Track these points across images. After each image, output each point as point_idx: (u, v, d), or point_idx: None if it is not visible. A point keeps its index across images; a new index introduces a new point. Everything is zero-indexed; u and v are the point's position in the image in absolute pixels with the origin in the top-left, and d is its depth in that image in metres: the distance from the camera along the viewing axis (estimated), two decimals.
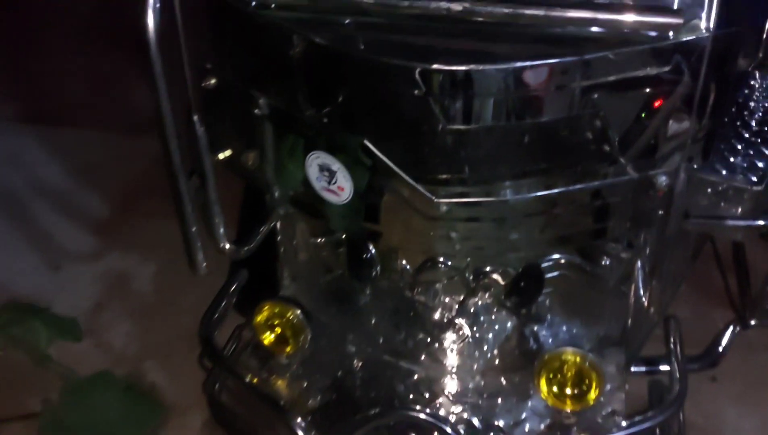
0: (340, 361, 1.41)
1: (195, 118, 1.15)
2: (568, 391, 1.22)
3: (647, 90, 1.06)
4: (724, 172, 1.21)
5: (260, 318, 1.34)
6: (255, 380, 1.33)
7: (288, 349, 1.35)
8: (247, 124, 1.21)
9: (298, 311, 1.32)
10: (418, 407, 1.24)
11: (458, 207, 1.07)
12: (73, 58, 2.84)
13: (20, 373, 1.76)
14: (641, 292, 1.29)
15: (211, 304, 1.44)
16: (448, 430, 1.16)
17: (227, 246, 1.30)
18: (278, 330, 1.35)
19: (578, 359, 1.21)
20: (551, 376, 1.22)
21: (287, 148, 1.16)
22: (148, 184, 2.60)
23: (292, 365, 1.39)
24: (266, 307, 1.34)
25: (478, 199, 1.07)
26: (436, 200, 1.03)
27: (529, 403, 1.33)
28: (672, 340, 1.34)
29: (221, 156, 1.26)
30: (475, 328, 1.37)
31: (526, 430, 1.28)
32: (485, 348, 1.38)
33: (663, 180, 1.07)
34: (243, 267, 1.54)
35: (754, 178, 1.21)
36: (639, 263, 1.29)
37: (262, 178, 1.26)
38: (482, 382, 1.36)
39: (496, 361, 1.39)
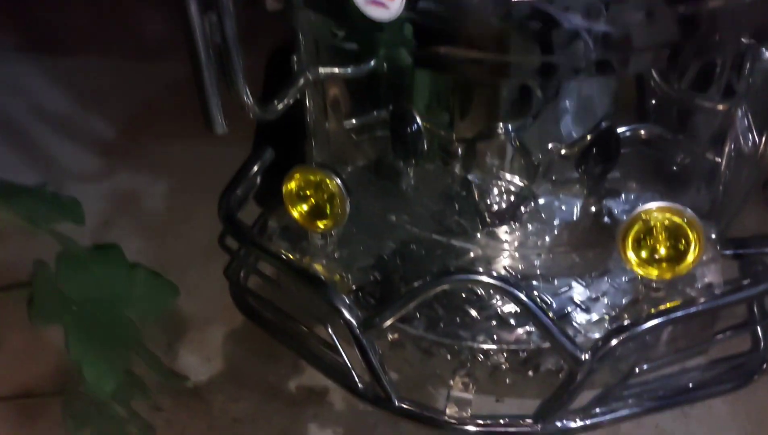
0: (381, 240, 1.22)
1: None
2: (662, 252, 1.02)
3: None
4: None
5: (292, 186, 1.15)
6: (290, 256, 1.14)
7: (323, 223, 1.16)
8: None
9: (337, 179, 1.12)
10: (480, 270, 1.04)
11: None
12: None
13: (13, 243, 1.65)
14: (742, 147, 1.09)
15: (231, 180, 1.25)
16: (522, 296, 0.96)
17: (250, 101, 1.10)
18: (312, 202, 1.16)
19: (673, 216, 1.01)
20: (641, 237, 1.03)
21: None
22: (157, 108, 2.47)
23: (328, 246, 1.20)
24: (298, 174, 1.14)
25: None
26: None
27: (607, 279, 1.13)
28: None
29: None
30: (540, 201, 1.18)
31: (606, 303, 1.09)
32: (553, 222, 1.19)
33: None
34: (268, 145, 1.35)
35: None
36: (740, 113, 1.08)
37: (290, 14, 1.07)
38: (551, 257, 1.17)
39: (566, 237, 1.19)
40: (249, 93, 1.10)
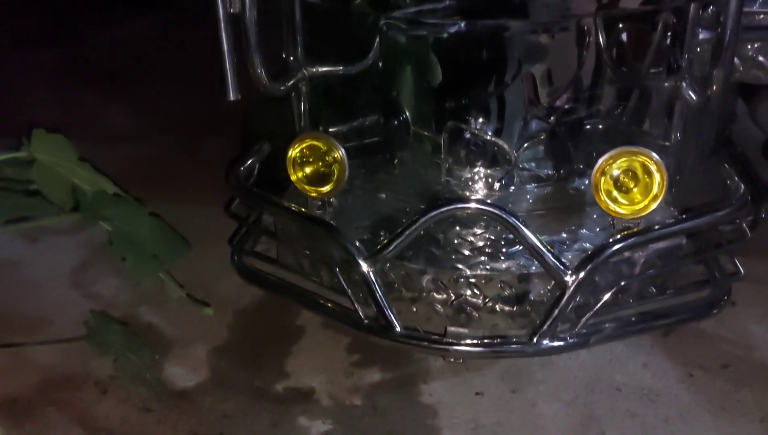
0: (373, 210, 1.34)
1: None
2: (633, 189, 1.16)
3: None
4: None
5: (296, 152, 1.27)
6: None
7: (325, 188, 1.27)
8: None
9: (341, 148, 1.25)
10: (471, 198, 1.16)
11: None
12: None
13: None
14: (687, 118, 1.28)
15: (232, 160, 1.37)
16: (512, 219, 1.08)
17: (262, 73, 1.24)
18: (312, 168, 1.28)
19: (633, 156, 1.16)
20: (611, 182, 1.17)
21: None
22: (123, 180, 2.54)
23: (326, 214, 1.30)
24: (307, 139, 1.26)
25: None
26: None
27: (583, 230, 1.27)
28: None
29: None
30: (518, 168, 1.32)
31: (585, 245, 1.22)
32: (529, 187, 1.33)
33: None
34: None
35: None
36: (684, 85, 1.27)
37: None
38: (531, 218, 1.30)
39: (542, 201, 1.33)
40: (262, 67, 1.23)
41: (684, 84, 1.27)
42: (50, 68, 3.31)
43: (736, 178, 1.25)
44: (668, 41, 1.28)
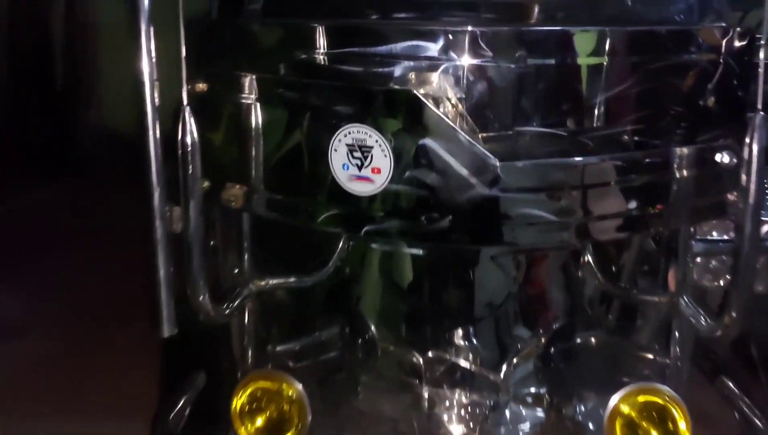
0: None
1: (185, 112, 0.96)
2: None
3: None
4: None
5: (243, 398, 1.03)
6: None
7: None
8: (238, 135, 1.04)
9: (298, 384, 1.03)
10: None
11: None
12: None
13: None
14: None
15: (161, 404, 1.13)
16: None
17: (206, 302, 1.03)
18: (266, 415, 1.04)
19: (648, 396, 1.00)
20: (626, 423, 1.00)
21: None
22: (16, 386, 2.22)
23: None
24: (252, 382, 1.03)
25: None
26: (494, 162, 0.88)
27: None
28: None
29: (206, 184, 1.04)
30: (506, 407, 1.14)
31: None
32: (521, 428, 1.14)
33: None
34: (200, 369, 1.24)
35: None
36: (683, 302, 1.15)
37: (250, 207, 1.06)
38: None
39: None
40: (206, 293, 1.02)
41: (683, 301, 1.14)
42: None
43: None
44: (661, 256, 1.17)
